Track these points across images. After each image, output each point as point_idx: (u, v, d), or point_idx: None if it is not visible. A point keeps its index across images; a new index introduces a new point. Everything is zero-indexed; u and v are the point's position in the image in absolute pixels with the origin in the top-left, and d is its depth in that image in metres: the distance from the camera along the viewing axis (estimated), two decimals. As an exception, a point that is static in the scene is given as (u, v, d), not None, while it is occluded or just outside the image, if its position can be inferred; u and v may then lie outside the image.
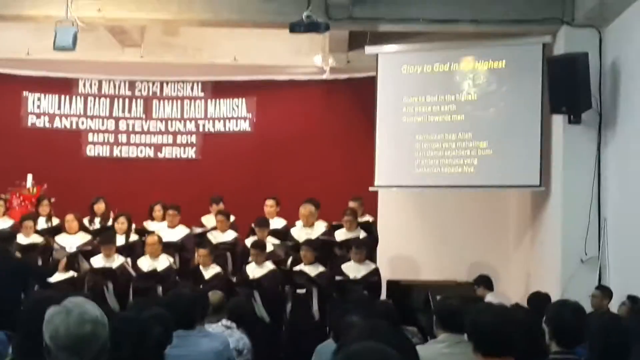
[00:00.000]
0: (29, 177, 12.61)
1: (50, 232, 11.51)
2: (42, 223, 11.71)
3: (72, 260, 10.95)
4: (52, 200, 12.04)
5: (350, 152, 13.45)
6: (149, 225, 11.96)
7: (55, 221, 11.79)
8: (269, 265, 10.74)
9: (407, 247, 12.94)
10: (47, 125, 14.20)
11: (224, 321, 6.84)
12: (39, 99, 14.20)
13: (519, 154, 11.31)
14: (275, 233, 11.51)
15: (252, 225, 11.55)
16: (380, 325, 3.34)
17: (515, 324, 4.09)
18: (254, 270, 10.67)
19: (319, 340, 6.87)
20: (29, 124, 14.19)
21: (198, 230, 11.89)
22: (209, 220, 12.14)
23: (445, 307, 5.01)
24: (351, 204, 11.74)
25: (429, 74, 12.00)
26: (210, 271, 10.69)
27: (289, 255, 11.26)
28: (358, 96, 13.35)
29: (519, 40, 11.39)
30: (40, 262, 10.98)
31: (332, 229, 11.49)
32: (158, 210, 12.08)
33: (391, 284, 11.76)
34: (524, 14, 10.79)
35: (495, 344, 3.95)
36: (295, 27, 9.77)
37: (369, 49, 12.15)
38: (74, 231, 11.43)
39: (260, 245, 10.88)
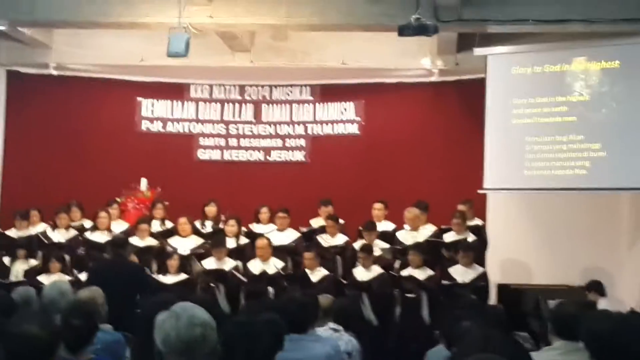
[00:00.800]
0: (143, 180, 12.91)
1: (164, 235, 11.78)
2: (156, 226, 11.99)
3: (185, 263, 11.18)
4: (166, 203, 12.32)
5: (459, 154, 13.33)
6: (255, 227, 12.09)
7: (169, 224, 12.06)
8: (376, 269, 10.75)
9: (518, 250, 12.76)
10: (161, 129, 14.51)
11: (331, 324, 6.83)
12: (152, 104, 14.53)
13: (634, 156, 11.03)
14: (383, 236, 11.51)
15: (360, 228, 11.58)
16: (493, 334, 3.31)
17: (634, 332, 3.99)
18: (362, 274, 10.70)
19: (428, 344, 6.83)
20: (143, 129, 14.52)
21: (304, 229, 11.98)
22: (317, 222, 12.21)
23: (561, 314, 4.93)
24: (460, 207, 11.68)
25: (540, 75, 11.83)
26: (318, 274, 10.75)
27: (397, 258, 11.26)
28: (467, 98, 13.24)
29: (633, 40, 11.10)
30: (155, 265, 11.25)
31: (440, 232, 11.44)
32: (264, 212, 12.19)
33: (502, 288, 11.62)
34: (637, 12, 10.51)
35: (613, 352, 3.86)
36: (404, 30, 9.74)
37: (478, 51, 12.04)
38: (186, 234, 11.65)
39: (368, 249, 10.90)
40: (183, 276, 10.91)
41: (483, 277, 10.66)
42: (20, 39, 13.02)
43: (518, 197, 12.85)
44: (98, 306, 6.12)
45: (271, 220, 12.09)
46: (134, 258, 10.53)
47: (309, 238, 11.75)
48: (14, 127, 14.16)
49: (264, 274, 10.73)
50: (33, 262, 11.43)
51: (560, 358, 4.68)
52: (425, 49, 12.96)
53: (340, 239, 11.64)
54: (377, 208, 11.93)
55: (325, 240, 11.60)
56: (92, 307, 5.50)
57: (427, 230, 11.54)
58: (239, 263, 11.11)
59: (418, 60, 13.29)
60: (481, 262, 11.07)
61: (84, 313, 5.10)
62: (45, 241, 11.64)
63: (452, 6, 10.46)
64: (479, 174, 12.04)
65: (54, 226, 11.87)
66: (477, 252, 10.91)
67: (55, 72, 13.94)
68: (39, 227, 11.95)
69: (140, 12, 10.95)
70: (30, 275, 11.08)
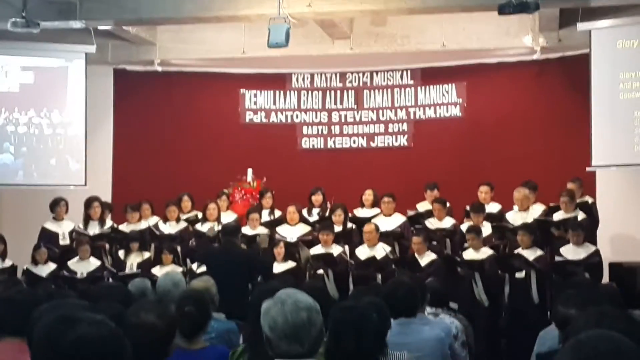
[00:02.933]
0: (249, 171, 13.08)
1: (273, 224, 11.92)
2: (264, 215, 12.14)
3: (292, 250, 11.29)
4: (273, 192, 12.47)
5: (565, 132, 13.12)
6: (359, 212, 12.10)
7: (277, 213, 12.20)
8: (486, 251, 10.67)
9: (629, 227, 12.49)
10: (264, 120, 14.71)
11: (428, 309, 6.73)
12: (255, 96, 14.73)
13: None
14: (489, 218, 11.40)
15: (467, 208, 11.50)
16: (608, 311, 3.27)
17: None
18: (471, 256, 10.63)
19: (539, 324, 6.76)
20: (247, 120, 14.74)
21: (411, 213, 11.95)
22: (424, 206, 12.16)
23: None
24: (569, 185, 11.47)
25: (647, 48, 11.57)
26: (426, 258, 10.72)
27: (505, 238, 11.15)
28: (571, 75, 13.02)
29: None
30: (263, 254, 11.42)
31: (549, 211, 11.27)
32: (368, 194, 12.14)
33: (614, 266, 11.37)
34: None
35: None
36: (504, 9, 9.59)
37: (582, 26, 11.81)
38: (294, 222, 11.76)
39: (476, 230, 10.82)
40: (291, 264, 11.03)
41: (596, 254, 10.44)
42: (125, 37, 13.36)
43: (628, 173, 12.58)
44: (211, 295, 6.25)
45: (375, 204, 12.08)
46: (243, 247, 10.67)
47: (416, 222, 11.72)
48: (122, 124, 14.54)
49: (372, 259, 10.75)
50: (146, 255, 11.72)
51: (678, 335, 4.57)
52: (527, 26, 12.76)
53: (447, 222, 11.59)
54: (484, 191, 11.78)
55: (432, 224, 11.56)
56: (205, 296, 5.60)
57: (536, 211, 11.37)
58: (346, 247, 11.18)
59: (520, 39, 13.09)
60: (592, 240, 10.86)
61: (197, 301, 5.21)
62: (157, 232, 11.92)
63: (553, -19, 10.28)
64: (586, 151, 11.84)
65: (165, 219, 12.13)
66: (587, 230, 10.70)
67: (159, 69, 14.24)
68: (151, 220, 12.23)
69: (240, 5, 11.08)
70: (144, 267, 11.37)
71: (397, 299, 5.55)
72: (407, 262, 10.75)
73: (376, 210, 11.97)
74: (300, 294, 3.53)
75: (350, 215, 11.90)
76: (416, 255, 10.75)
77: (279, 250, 11.05)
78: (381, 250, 10.91)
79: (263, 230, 11.65)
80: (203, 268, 9.92)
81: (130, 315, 4.04)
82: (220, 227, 11.50)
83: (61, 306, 4.05)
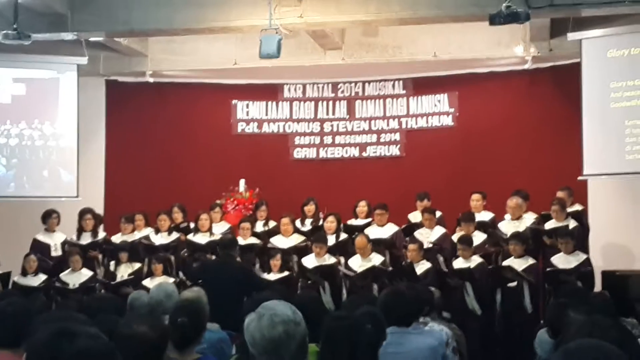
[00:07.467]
0: (242, 182, 13.07)
1: (267, 235, 11.91)
2: (259, 226, 12.13)
3: (287, 259, 11.29)
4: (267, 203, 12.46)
5: (557, 141, 13.14)
6: (353, 222, 12.10)
7: (272, 224, 12.18)
8: (476, 259, 10.67)
9: (620, 236, 12.50)
10: (256, 130, 14.69)
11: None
12: (247, 106, 14.73)
13: None
14: (481, 226, 11.41)
15: (458, 219, 11.52)
16: (599, 320, 3.28)
17: None
18: (461, 265, 10.63)
19: (532, 332, 6.77)
20: (239, 131, 14.73)
21: (404, 226, 11.95)
22: (415, 216, 12.16)
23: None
24: (559, 194, 11.51)
25: (637, 57, 11.59)
26: (421, 267, 10.71)
27: (499, 245, 11.16)
28: (562, 84, 13.05)
29: None
30: (257, 264, 11.42)
31: (541, 220, 11.29)
32: (362, 206, 12.11)
33: (606, 274, 11.40)
34: None
35: None
36: (495, 19, 9.64)
37: (572, 35, 11.86)
38: (289, 234, 11.74)
39: (467, 240, 10.82)
40: (285, 273, 11.03)
41: (586, 263, 10.46)
42: (117, 48, 13.36)
43: (619, 182, 12.61)
44: (203, 305, 6.23)
45: (369, 214, 12.06)
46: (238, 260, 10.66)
47: (410, 232, 11.70)
48: (114, 135, 14.51)
49: (371, 269, 10.71)
50: (136, 266, 11.67)
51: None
52: (518, 36, 12.80)
53: (438, 232, 11.54)
54: (475, 199, 11.81)
55: (422, 234, 11.52)
56: (199, 307, 5.58)
57: (528, 219, 11.39)
58: (342, 259, 11.17)
59: (511, 49, 13.13)
60: (584, 248, 10.89)
61: (191, 312, 5.19)
62: (149, 243, 11.88)
63: (544, -9, 10.30)
64: (578, 160, 11.87)
65: (157, 230, 12.11)
66: (577, 238, 10.72)
67: (151, 80, 14.24)
68: (144, 232, 12.21)
69: (231, 16, 11.10)
70: (135, 278, 11.34)
71: (390, 308, 5.55)
72: (404, 271, 10.71)
73: (369, 220, 11.95)
74: (279, 307, 3.49)
75: (343, 224, 11.89)
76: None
77: (275, 262, 11.06)
78: (375, 261, 10.89)
79: (254, 240, 11.65)
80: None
81: (123, 326, 4.04)
82: (212, 237, 11.51)
83: (56, 319, 4.04)
